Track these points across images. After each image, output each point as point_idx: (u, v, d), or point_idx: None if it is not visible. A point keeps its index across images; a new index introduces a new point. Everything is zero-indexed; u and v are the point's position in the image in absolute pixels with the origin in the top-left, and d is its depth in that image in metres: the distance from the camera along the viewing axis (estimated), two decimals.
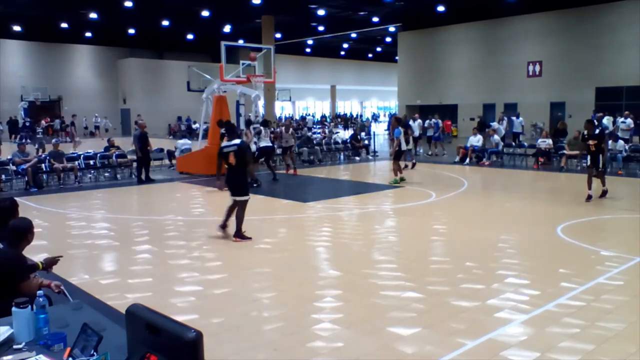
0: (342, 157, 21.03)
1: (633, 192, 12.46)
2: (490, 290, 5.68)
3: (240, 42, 35.71)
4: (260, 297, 5.62)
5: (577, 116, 25.44)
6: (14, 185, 13.76)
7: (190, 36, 40.64)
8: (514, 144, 19.46)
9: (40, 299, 2.62)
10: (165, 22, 34.52)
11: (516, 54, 31.00)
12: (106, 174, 15.57)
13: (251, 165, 9.90)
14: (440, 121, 22.15)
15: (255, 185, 12.75)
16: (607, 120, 21.52)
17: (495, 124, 20.90)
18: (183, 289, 5.92)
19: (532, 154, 17.61)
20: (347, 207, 11.03)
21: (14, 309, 2.56)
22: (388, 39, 44.19)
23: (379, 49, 52.71)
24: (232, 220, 8.10)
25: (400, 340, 4.52)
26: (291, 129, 16.84)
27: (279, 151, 16.76)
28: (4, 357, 2.36)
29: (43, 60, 38.81)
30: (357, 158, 20.85)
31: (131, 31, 38.33)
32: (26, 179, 13.51)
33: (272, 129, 18.39)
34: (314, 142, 20.89)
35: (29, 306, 2.58)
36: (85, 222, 9.60)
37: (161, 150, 18.05)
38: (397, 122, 14.78)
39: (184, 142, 18.59)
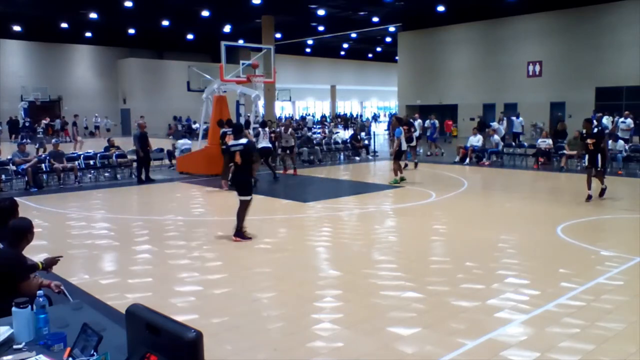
0: (342, 157, 21.03)
1: (633, 192, 12.46)
2: (490, 290, 5.68)
3: (240, 42, 35.74)
4: (260, 297, 5.62)
5: (577, 116, 25.36)
6: (14, 185, 13.76)
7: (190, 36, 40.62)
8: (514, 144, 19.46)
9: (40, 299, 2.62)
10: (165, 22, 34.49)
11: (516, 54, 30.98)
12: (106, 174, 15.57)
13: (256, 165, 9.93)
14: (437, 121, 22.17)
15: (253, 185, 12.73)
16: (606, 120, 21.53)
17: (495, 124, 20.92)
18: (183, 289, 5.92)
19: (532, 154, 17.61)
20: (347, 207, 11.03)
21: (14, 309, 2.56)
22: (388, 39, 44.17)
23: (379, 49, 52.67)
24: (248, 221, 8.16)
25: (400, 340, 4.52)
26: (290, 129, 16.82)
27: (279, 151, 16.76)
28: (4, 357, 2.36)
29: (43, 60, 38.77)
30: (357, 158, 20.85)
31: (131, 31, 38.31)
32: (26, 179, 13.51)
33: (273, 129, 18.37)
34: (314, 142, 20.90)
35: (29, 306, 2.58)
36: (85, 222, 9.60)
37: (161, 150, 18.06)
38: (397, 122, 14.81)
39: (184, 142, 18.55)
